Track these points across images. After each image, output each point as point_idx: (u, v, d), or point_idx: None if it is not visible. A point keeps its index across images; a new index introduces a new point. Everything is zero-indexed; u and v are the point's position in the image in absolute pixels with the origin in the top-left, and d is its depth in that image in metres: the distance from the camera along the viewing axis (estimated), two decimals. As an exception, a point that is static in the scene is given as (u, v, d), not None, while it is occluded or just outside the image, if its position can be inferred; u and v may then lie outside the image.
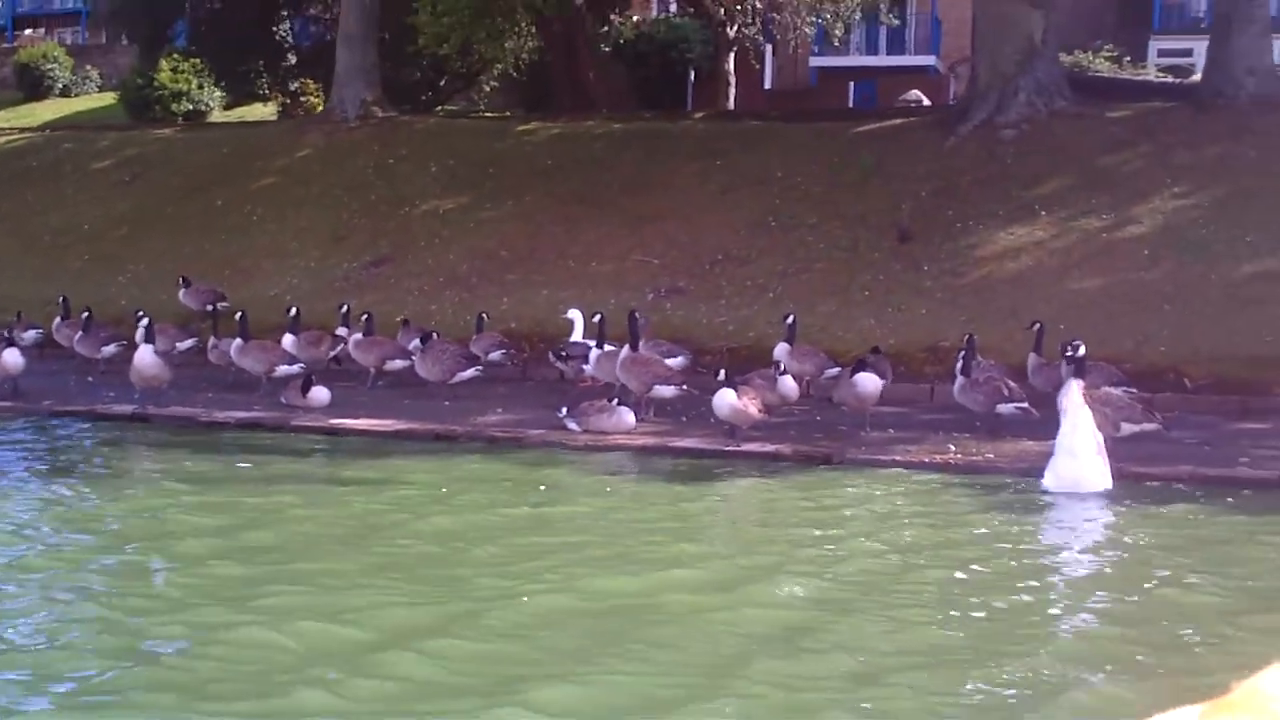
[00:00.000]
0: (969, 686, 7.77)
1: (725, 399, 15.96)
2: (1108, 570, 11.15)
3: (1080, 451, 14.18)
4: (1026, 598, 9.95)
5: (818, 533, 11.86)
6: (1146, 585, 10.43)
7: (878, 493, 13.98)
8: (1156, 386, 19.47)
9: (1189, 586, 10.30)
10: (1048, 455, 14.46)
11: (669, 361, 19.44)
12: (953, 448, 15.85)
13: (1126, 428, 15.15)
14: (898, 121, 28.34)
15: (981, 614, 9.40)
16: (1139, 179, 24.01)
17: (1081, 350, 15.63)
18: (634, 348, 18.07)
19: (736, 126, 29.35)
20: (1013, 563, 11.10)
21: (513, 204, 26.75)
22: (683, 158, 27.25)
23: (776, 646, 8.28)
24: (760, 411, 16.15)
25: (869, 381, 16.83)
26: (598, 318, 19.28)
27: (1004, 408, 16.95)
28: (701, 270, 23.89)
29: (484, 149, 28.94)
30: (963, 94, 27.97)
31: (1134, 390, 17.62)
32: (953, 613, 9.41)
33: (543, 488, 13.54)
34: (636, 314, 18.77)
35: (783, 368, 17.85)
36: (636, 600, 9.28)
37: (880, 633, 8.72)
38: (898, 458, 15.38)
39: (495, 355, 21.06)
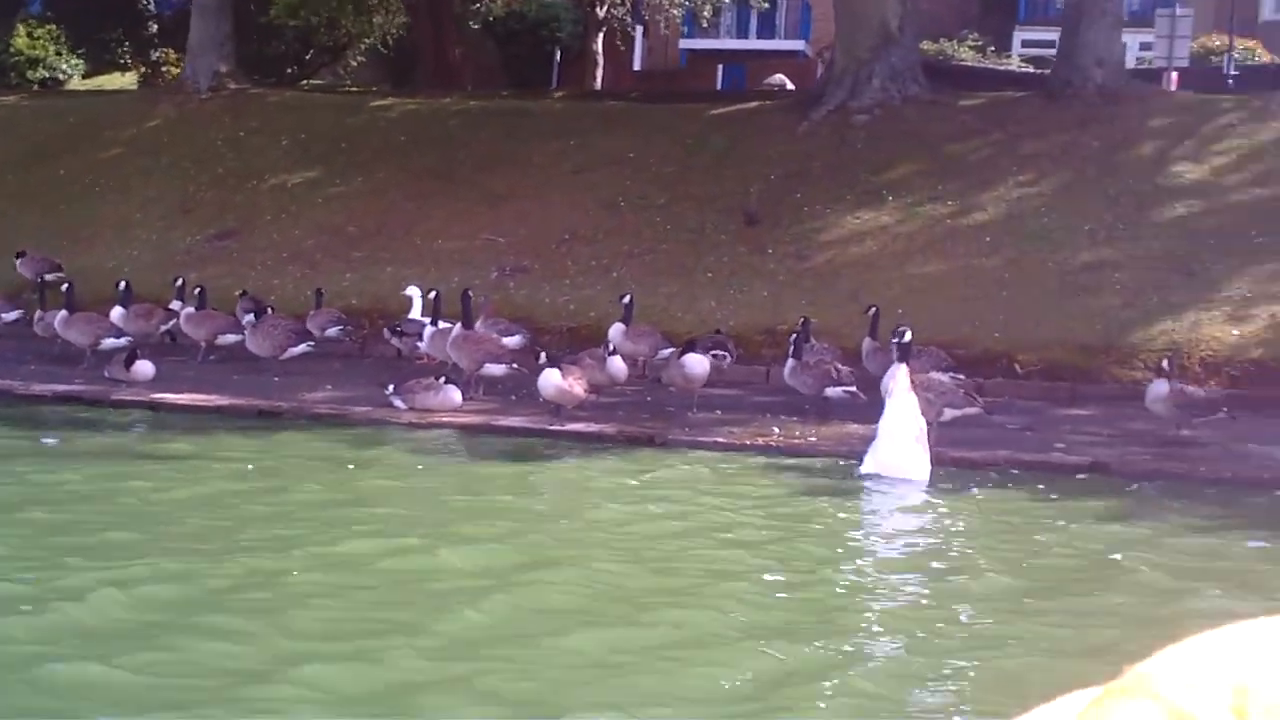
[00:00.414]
0: (733, 667, 7.72)
1: (549, 379, 15.86)
2: (909, 553, 11.23)
3: (901, 437, 14.23)
4: (818, 580, 9.97)
5: (611, 512, 11.86)
6: (944, 567, 10.54)
7: (692, 473, 13.96)
8: (989, 372, 19.64)
9: (988, 569, 10.37)
10: (871, 439, 14.50)
11: (506, 340, 19.35)
12: (776, 430, 15.87)
13: (949, 412, 15.25)
14: (754, 105, 28.34)
15: (762, 595, 9.39)
16: (986, 167, 24.18)
17: (907, 336, 15.72)
18: (467, 325, 17.94)
19: (595, 107, 29.22)
20: (814, 545, 11.13)
21: (363, 180, 26.42)
22: (539, 137, 27.04)
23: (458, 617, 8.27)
24: (586, 391, 16.07)
25: (696, 363, 16.81)
26: (433, 294, 19.09)
27: (832, 391, 16.98)
28: (548, 250, 23.73)
29: (338, 124, 28.55)
30: (819, 79, 28.03)
31: (960, 375, 17.72)
32: (727, 588, 9.40)
33: (351, 466, 13.35)
34: (470, 292, 18.58)
35: (612, 348, 17.77)
36: (344, 573, 9.26)
37: (628, 613, 8.68)
38: (719, 439, 15.37)
39: (333, 331, 20.79)
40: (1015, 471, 14.39)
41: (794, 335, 17.66)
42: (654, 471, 13.99)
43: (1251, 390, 18.70)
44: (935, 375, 15.98)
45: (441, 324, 18.66)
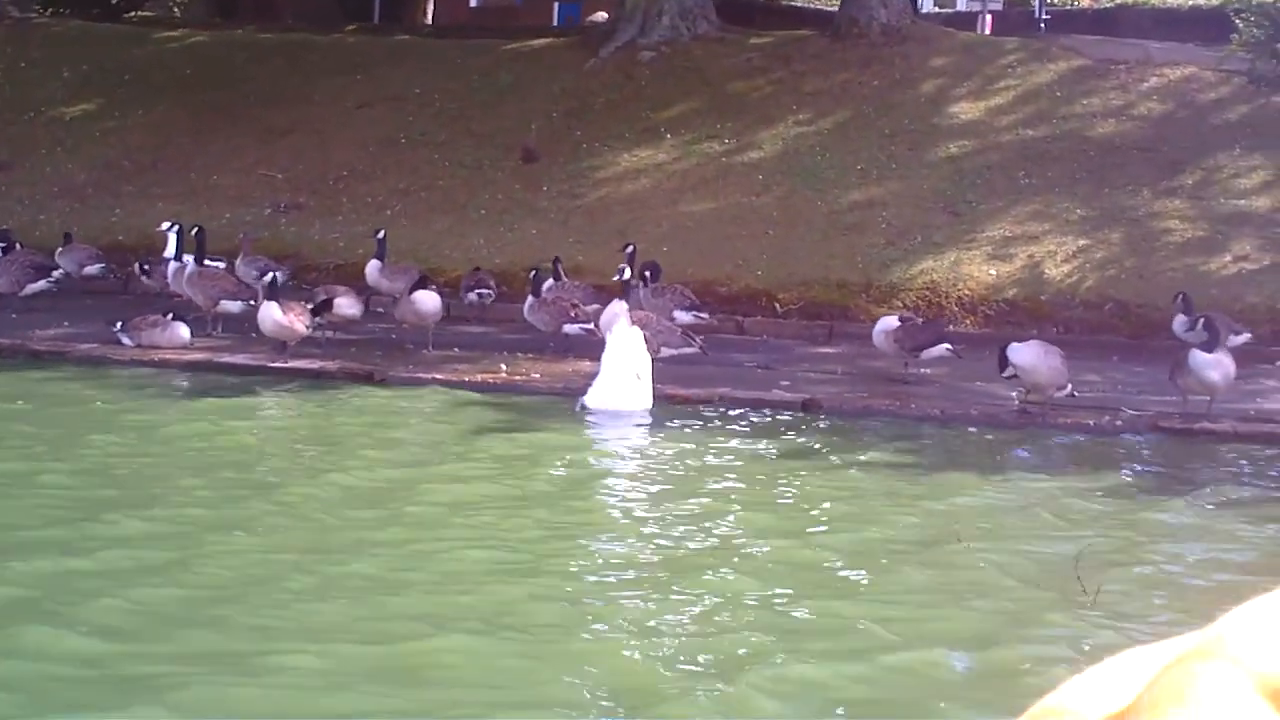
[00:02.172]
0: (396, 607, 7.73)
1: (269, 314, 15.64)
2: (566, 480, 11.29)
3: (620, 372, 14.22)
4: (489, 516, 10.01)
5: (286, 445, 11.81)
6: (591, 493, 10.65)
7: (398, 409, 13.93)
8: (750, 310, 19.66)
9: (621, 498, 10.49)
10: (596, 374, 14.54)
11: (265, 279, 19.09)
12: (504, 367, 15.76)
13: (665, 351, 15.21)
14: (546, 41, 28.06)
15: (371, 515, 9.47)
16: (767, 105, 24.12)
17: (627, 273, 15.75)
18: (199, 261, 17.64)
19: (386, 41, 28.75)
20: (472, 473, 11.22)
21: (143, 113, 25.82)
22: (325, 72, 26.58)
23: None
24: (308, 327, 15.85)
25: (426, 299, 16.66)
26: (175, 228, 18.68)
27: (570, 328, 16.89)
28: (325, 186, 23.38)
29: (122, 55, 27.83)
30: (612, 15, 27.86)
31: (704, 315, 17.72)
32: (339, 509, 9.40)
33: (19, 402, 13.03)
34: (202, 229, 18.24)
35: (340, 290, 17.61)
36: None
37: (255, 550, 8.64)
38: (439, 376, 15.24)
39: (93, 269, 20.34)
40: (731, 409, 14.42)
41: (534, 272, 17.51)
42: (360, 405, 13.94)
43: (1002, 330, 18.88)
44: (649, 314, 15.85)
45: (188, 259, 18.33)
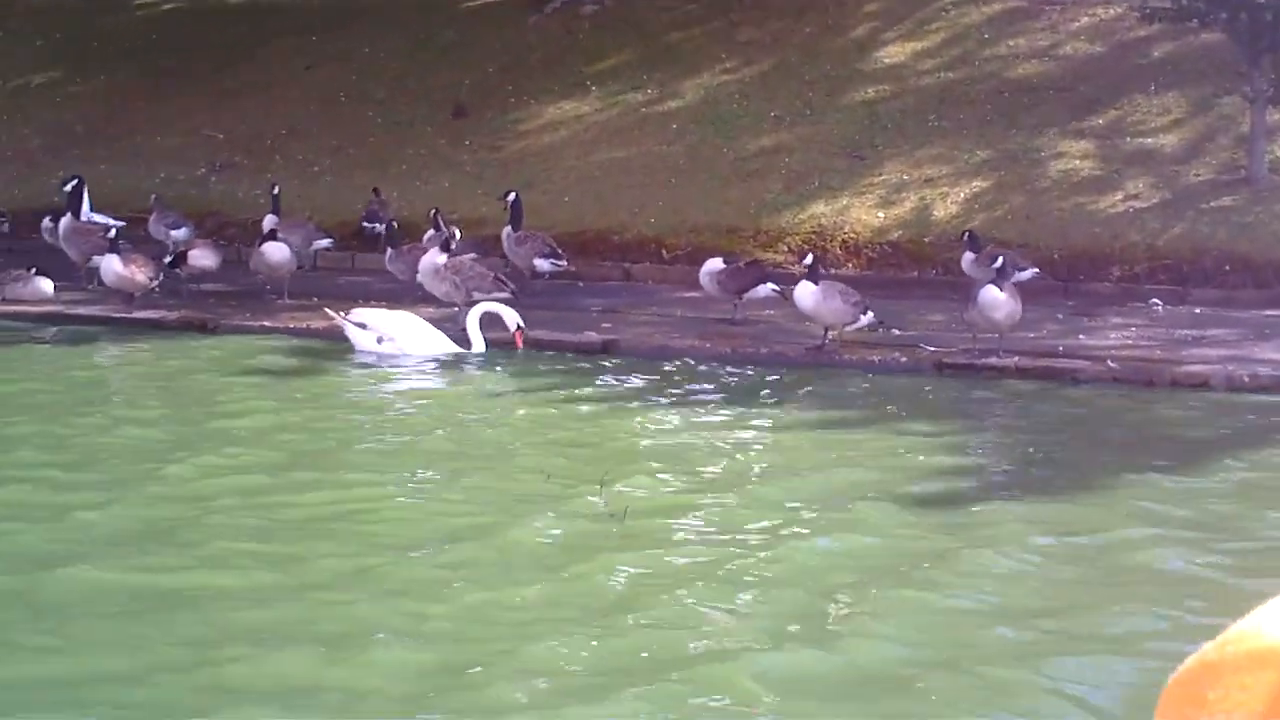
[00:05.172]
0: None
1: (110, 266, 16.24)
2: (351, 421, 11.85)
3: (413, 320, 14.78)
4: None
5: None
6: (365, 432, 11.18)
7: (212, 356, 14.52)
8: (639, 256, 19.94)
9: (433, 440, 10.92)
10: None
11: (173, 233, 19.86)
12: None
13: (477, 295, 15.54)
14: (497, -1, 28.40)
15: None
16: (698, 55, 24.26)
17: (454, 231, 16.23)
18: (75, 216, 18.33)
19: (343, 3, 29.17)
20: (277, 422, 11.79)
21: (105, 78, 26.63)
22: (281, 34, 27.17)
23: None
24: (151, 278, 16.43)
25: (274, 250, 17.14)
26: (70, 185, 19.34)
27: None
28: (261, 146, 23.98)
29: (92, 24, 28.68)
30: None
31: (563, 262, 18.06)
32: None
33: None
34: (79, 179, 18.95)
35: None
36: None
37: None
38: (268, 324, 15.81)
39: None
40: (537, 350, 14.85)
41: (392, 223, 17.96)
42: (181, 351, 14.60)
43: (884, 272, 19.09)
44: (462, 259, 16.20)
45: (98, 218, 19.30)
